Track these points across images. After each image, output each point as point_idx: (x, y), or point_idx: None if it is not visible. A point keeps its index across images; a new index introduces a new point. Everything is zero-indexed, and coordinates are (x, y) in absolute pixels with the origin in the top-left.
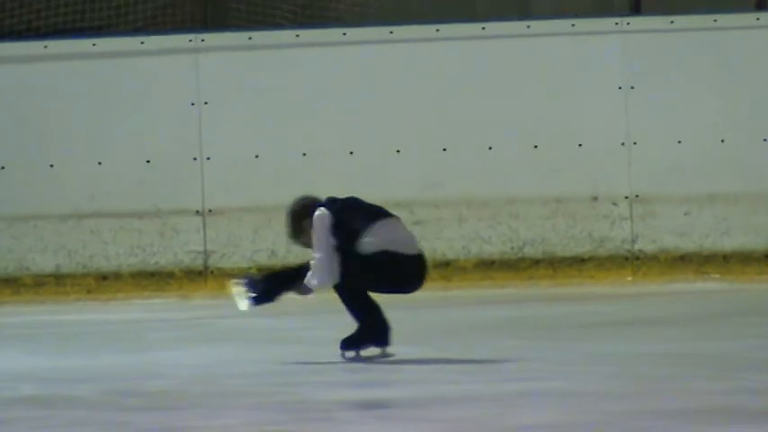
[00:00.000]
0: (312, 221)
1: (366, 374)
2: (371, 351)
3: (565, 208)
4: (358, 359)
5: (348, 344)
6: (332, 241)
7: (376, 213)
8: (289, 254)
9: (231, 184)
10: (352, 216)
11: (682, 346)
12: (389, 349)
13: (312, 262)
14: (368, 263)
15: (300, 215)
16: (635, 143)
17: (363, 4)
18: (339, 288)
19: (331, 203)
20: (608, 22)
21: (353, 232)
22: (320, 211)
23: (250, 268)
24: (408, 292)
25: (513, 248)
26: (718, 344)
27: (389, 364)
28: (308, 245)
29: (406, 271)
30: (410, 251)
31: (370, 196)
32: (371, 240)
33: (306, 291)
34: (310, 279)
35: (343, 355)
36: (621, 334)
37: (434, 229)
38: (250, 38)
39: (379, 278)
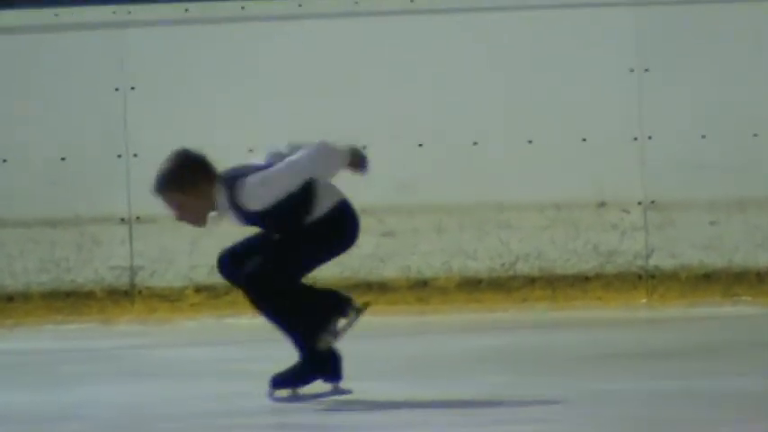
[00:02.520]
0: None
1: (326, 416)
2: (321, 387)
3: (565, 216)
4: (314, 396)
5: (282, 380)
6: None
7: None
8: None
9: None
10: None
11: (706, 384)
12: (344, 384)
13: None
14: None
15: (200, 170)
16: (650, 137)
17: None
18: (267, 294)
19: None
20: None
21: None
22: None
23: (186, 288)
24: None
25: (503, 265)
26: (749, 380)
27: (353, 405)
28: (195, 215)
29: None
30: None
31: None
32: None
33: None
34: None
35: (271, 395)
36: (633, 368)
37: (409, 241)
38: (186, 10)
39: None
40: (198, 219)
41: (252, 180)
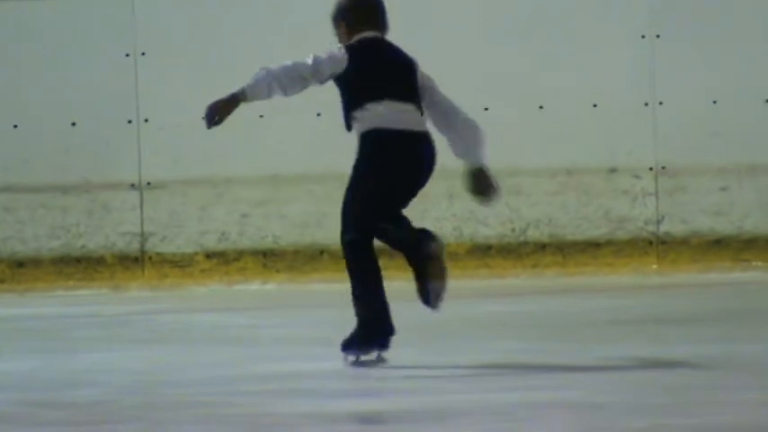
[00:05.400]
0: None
1: (335, 383)
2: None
3: (576, 181)
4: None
5: (349, 344)
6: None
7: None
8: (242, 236)
9: (174, 151)
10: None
11: (717, 349)
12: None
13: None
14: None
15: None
16: (661, 103)
17: None
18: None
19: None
20: None
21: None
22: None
23: (196, 254)
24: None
25: (514, 231)
26: (760, 346)
27: (362, 371)
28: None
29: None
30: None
31: (339, 165)
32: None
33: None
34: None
35: (346, 359)
36: (645, 334)
37: (419, 206)
38: None
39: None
40: None
41: None
